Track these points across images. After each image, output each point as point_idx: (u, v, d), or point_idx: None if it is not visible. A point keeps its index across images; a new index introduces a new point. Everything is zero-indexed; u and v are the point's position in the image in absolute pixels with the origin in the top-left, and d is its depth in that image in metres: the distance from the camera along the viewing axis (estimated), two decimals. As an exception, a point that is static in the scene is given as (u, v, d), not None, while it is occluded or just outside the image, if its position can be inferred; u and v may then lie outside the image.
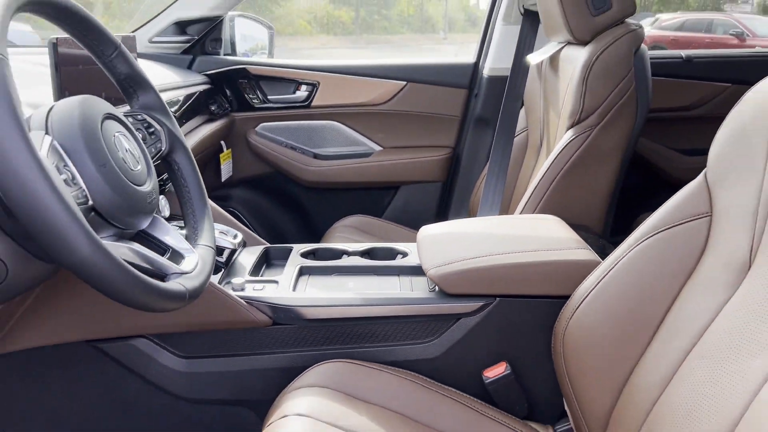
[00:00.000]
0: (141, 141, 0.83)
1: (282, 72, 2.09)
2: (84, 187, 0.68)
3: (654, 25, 12.23)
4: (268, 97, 2.10)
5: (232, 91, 2.07)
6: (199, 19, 1.97)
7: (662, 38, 11.59)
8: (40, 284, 0.78)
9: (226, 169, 2.03)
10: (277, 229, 2.14)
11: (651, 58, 1.72)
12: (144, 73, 0.91)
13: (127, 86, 0.89)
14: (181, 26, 1.97)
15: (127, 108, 0.93)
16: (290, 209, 2.21)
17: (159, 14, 1.89)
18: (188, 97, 1.75)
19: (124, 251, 0.72)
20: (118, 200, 0.71)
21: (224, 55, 2.09)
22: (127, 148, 0.77)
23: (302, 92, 2.10)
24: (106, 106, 0.77)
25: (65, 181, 0.67)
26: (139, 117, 0.89)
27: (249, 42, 2.17)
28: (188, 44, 2.03)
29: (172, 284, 0.72)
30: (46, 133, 0.68)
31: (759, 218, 0.78)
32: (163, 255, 0.78)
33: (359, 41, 20.22)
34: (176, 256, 0.81)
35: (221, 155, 1.99)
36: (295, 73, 2.09)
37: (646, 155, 2.12)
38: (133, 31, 1.92)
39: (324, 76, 2.09)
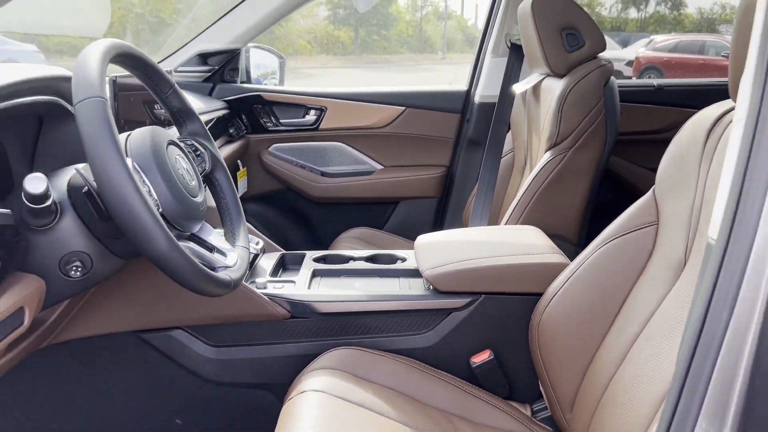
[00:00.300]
0: (192, 162, 0.98)
1: (293, 98, 2.20)
2: (156, 197, 0.83)
3: (648, 46, 12.11)
4: (281, 120, 2.21)
5: (247, 116, 2.18)
6: (219, 51, 2.10)
7: (656, 59, 11.52)
8: (110, 277, 0.93)
9: (241, 186, 2.13)
10: (287, 240, 2.21)
11: (628, 87, 1.81)
12: (192, 107, 1.05)
13: (179, 117, 1.04)
14: (203, 57, 2.10)
15: (175, 133, 1.08)
16: (300, 222, 2.30)
17: (183, 46, 2.01)
18: (209, 121, 1.88)
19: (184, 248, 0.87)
20: (179, 208, 0.86)
21: (241, 82, 2.20)
22: (185, 167, 0.92)
23: (311, 116, 2.21)
24: (168, 134, 0.93)
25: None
26: (188, 142, 1.03)
27: (261, 69, 2.29)
28: (209, 73, 2.15)
29: (222, 275, 0.87)
30: (127, 155, 0.84)
31: (692, 226, 0.91)
32: (211, 252, 0.93)
33: (359, 61, 20.11)
34: (220, 254, 0.95)
35: (238, 173, 2.09)
36: (304, 99, 2.20)
37: (622, 173, 2.21)
38: (160, 61, 2.04)
39: (331, 102, 2.20)
